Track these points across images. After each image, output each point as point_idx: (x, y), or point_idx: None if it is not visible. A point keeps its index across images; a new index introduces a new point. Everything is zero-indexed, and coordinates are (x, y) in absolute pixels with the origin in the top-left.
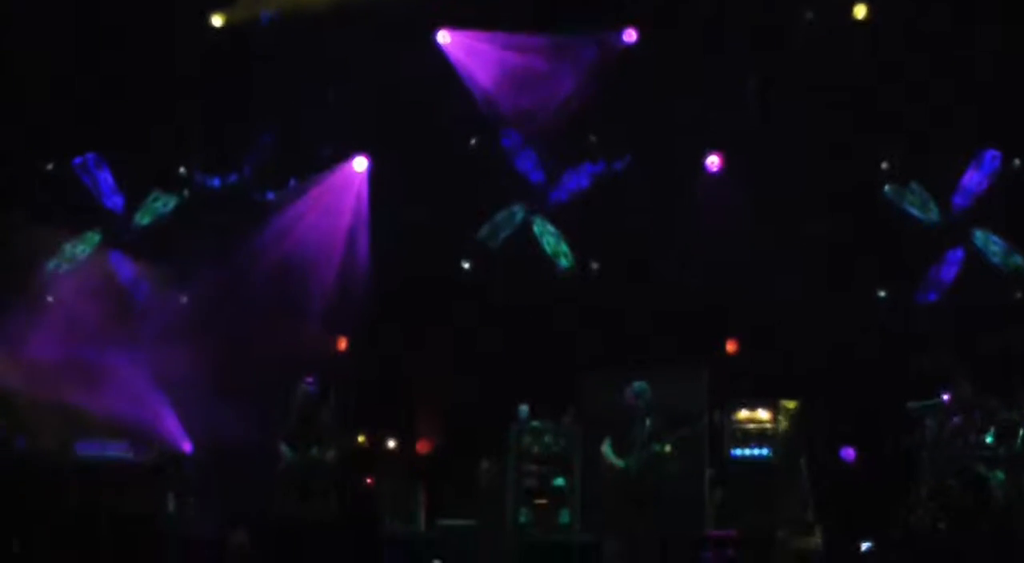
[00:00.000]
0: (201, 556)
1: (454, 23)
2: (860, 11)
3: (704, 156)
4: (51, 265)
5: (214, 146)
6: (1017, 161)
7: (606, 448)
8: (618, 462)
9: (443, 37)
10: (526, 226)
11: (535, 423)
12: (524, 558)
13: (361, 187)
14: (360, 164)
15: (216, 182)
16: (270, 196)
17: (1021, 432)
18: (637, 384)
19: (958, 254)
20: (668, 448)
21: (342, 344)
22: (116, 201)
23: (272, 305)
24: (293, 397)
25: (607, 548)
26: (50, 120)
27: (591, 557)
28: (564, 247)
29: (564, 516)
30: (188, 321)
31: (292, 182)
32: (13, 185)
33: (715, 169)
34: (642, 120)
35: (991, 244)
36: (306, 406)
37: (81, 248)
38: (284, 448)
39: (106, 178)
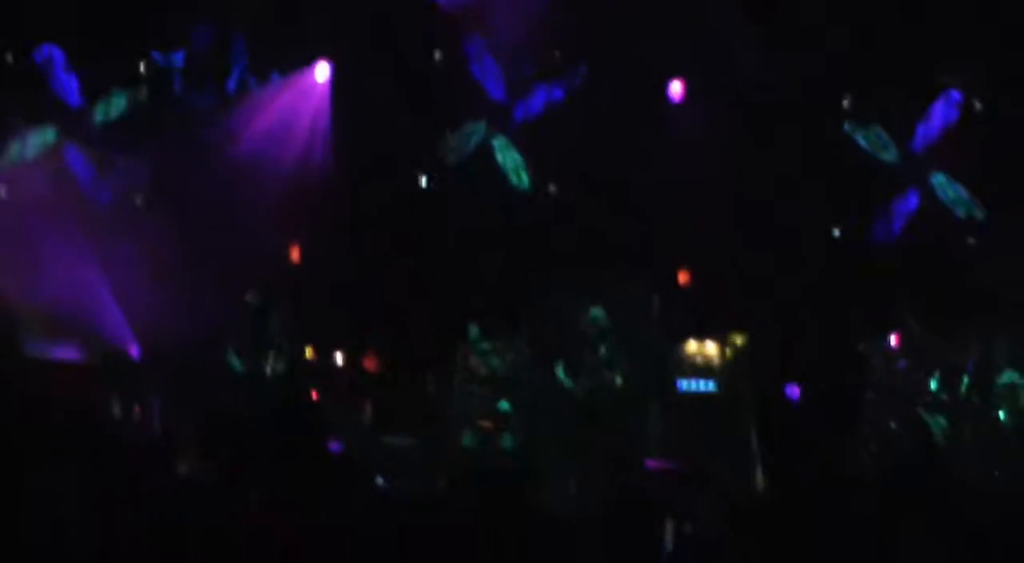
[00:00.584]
0: (145, 460)
1: None
2: None
3: (667, 82)
4: (6, 160)
5: (177, 43)
6: (978, 104)
7: (559, 369)
8: (569, 384)
9: None
10: (486, 145)
11: (483, 345)
12: (462, 481)
13: (322, 95)
14: (322, 71)
15: (179, 59)
16: (230, 94)
17: (966, 379)
18: (594, 311)
19: (914, 194)
20: (619, 380)
21: (294, 254)
22: (75, 96)
23: (227, 210)
24: (242, 308)
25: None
26: (11, 12)
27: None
28: (523, 169)
29: (507, 440)
30: (142, 221)
31: (252, 82)
32: None
33: (677, 97)
34: (607, 39)
35: (948, 188)
36: (256, 315)
37: (37, 142)
38: (232, 357)
39: (66, 73)
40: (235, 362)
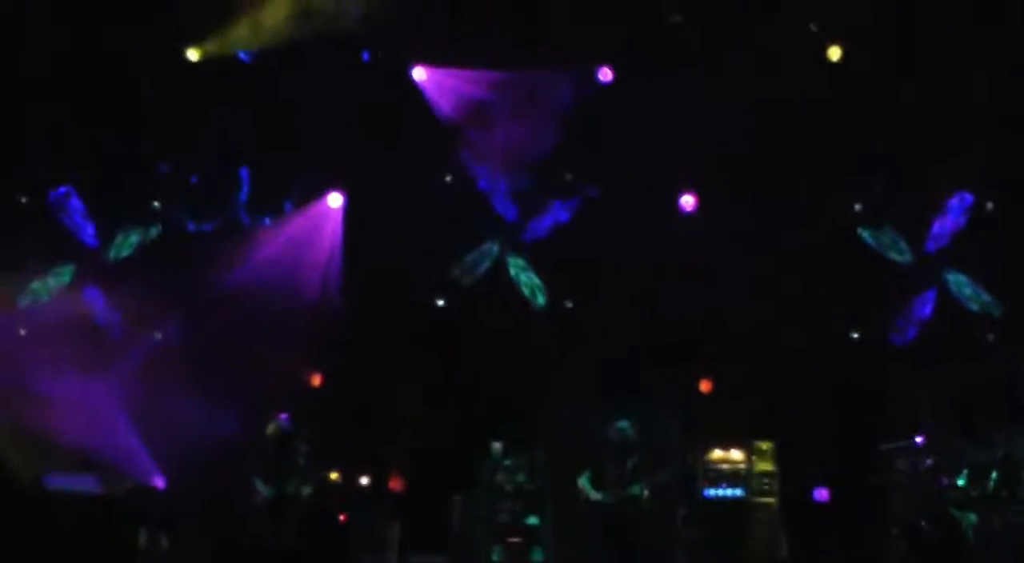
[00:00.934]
0: None
1: (430, 60)
2: (835, 53)
3: (678, 195)
4: (25, 299)
5: (188, 181)
6: (990, 204)
7: (584, 481)
8: (596, 495)
9: (419, 74)
10: (500, 263)
11: (508, 461)
12: None
13: (336, 223)
14: (335, 200)
15: (190, 222)
16: (246, 230)
17: (993, 474)
18: (620, 423)
19: (931, 295)
20: (646, 492)
21: (316, 380)
22: (90, 235)
23: (246, 340)
24: (267, 432)
25: None
26: (25, 153)
27: None
28: (538, 286)
29: (537, 554)
30: (162, 356)
31: (267, 219)
32: None
33: (689, 209)
34: (617, 158)
35: (963, 286)
36: (281, 441)
37: (55, 281)
38: (259, 483)
39: (80, 213)
40: (262, 488)
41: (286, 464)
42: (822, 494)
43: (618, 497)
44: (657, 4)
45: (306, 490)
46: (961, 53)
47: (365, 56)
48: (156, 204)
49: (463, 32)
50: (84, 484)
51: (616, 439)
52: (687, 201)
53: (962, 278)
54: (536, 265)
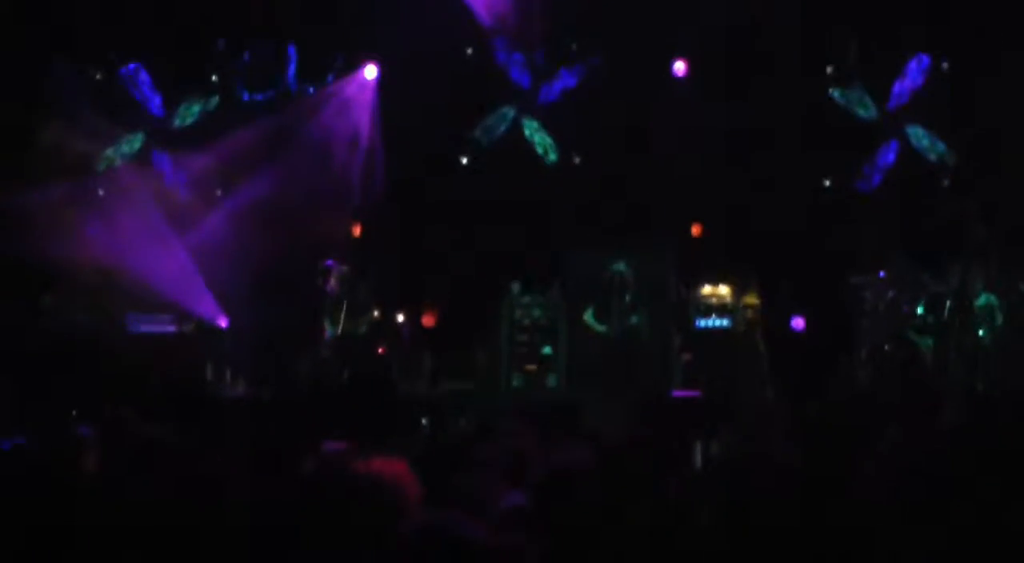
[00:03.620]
0: (234, 416)
1: None
2: None
3: (672, 61)
4: (101, 164)
5: (241, 57)
6: (945, 65)
7: (588, 316)
8: (600, 328)
9: None
10: (516, 125)
11: (525, 299)
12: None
13: (371, 91)
14: (370, 71)
15: (244, 92)
16: (293, 99)
17: (948, 303)
18: (617, 265)
19: (893, 146)
20: (641, 319)
21: (356, 230)
22: (157, 106)
23: (296, 198)
24: (326, 279)
25: (588, 406)
26: (99, 35)
27: (574, 414)
28: (550, 144)
29: (551, 379)
30: (221, 212)
31: (311, 89)
32: (67, 93)
33: (681, 74)
34: (618, 29)
35: (922, 138)
36: (344, 286)
37: (127, 148)
38: (327, 323)
39: (148, 86)
40: (330, 327)
41: (349, 306)
42: (798, 323)
43: (619, 328)
44: None
45: (364, 328)
46: None
47: None
48: (214, 78)
49: None
50: (159, 325)
51: (615, 277)
52: (679, 67)
53: (920, 131)
54: (548, 126)
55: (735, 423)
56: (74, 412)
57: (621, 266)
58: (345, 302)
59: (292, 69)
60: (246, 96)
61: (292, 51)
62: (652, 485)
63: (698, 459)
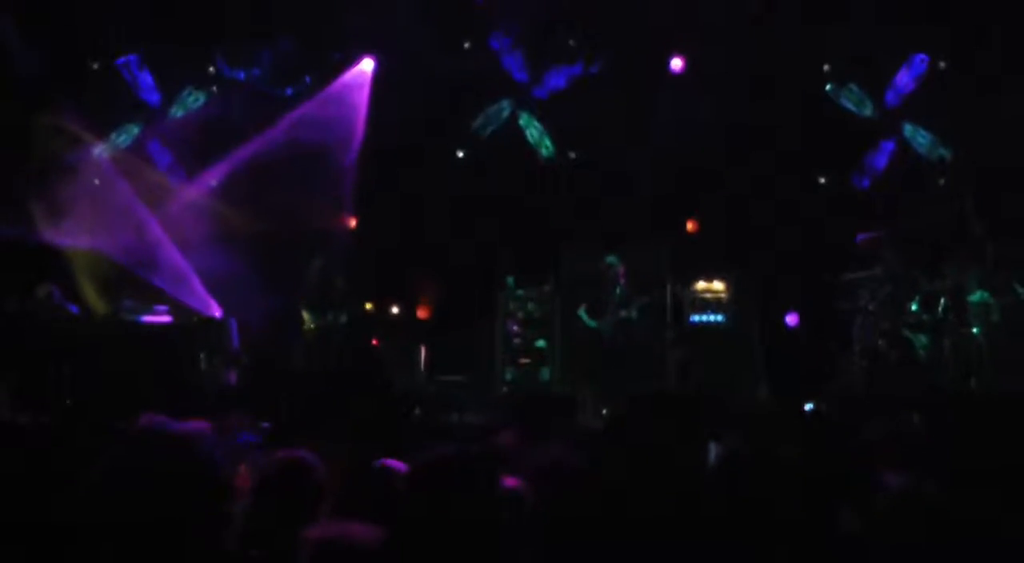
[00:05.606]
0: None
1: None
2: None
3: (669, 58)
4: (97, 152)
5: (240, 48)
6: (942, 63)
7: (581, 311)
8: (591, 323)
9: None
10: (512, 119)
11: (520, 291)
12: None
13: (369, 85)
14: (367, 64)
15: (241, 75)
16: (289, 92)
17: (942, 301)
18: (609, 257)
19: (889, 144)
20: (634, 313)
21: (352, 222)
22: (154, 97)
23: (292, 188)
24: (311, 269)
25: (580, 400)
26: (96, 25)
27: (566, 408)
28: (546, 138)
29: (544, 373)
30: (217, 202)
31: (307, 79)
32: (64, 83)
33: (678, 70)
34: (615, 24)
35: (918, 136)
36: (323, 276)
37: (124, 137)
38: (305, 312)
39: (145, 76)
40: (308, 316)
41: (328, 296)
42: (793, 319)
43: (611, 322)
44: None
45: (343, 318)
46: None
47: None
48: (211, 69)
49: None
50: (156, 314)
51: (608, 272)
52: (676, 63)
53: (917, 129)
54: (545, 120)
55: (733, 422)
56: (68, 401)
57: (614, 260)
58: (322, 293)
59: (289, 60)
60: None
61: (289, 44)
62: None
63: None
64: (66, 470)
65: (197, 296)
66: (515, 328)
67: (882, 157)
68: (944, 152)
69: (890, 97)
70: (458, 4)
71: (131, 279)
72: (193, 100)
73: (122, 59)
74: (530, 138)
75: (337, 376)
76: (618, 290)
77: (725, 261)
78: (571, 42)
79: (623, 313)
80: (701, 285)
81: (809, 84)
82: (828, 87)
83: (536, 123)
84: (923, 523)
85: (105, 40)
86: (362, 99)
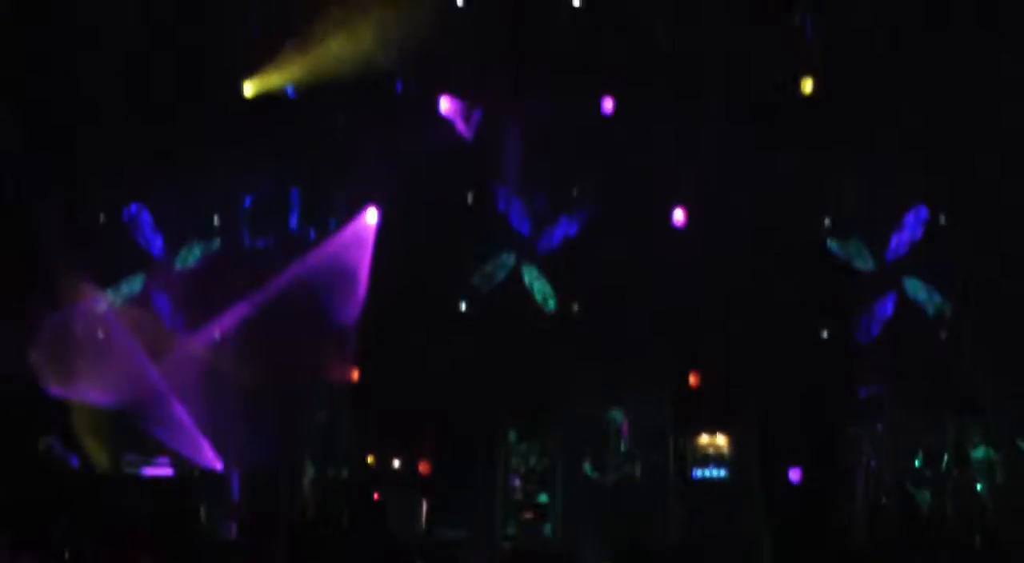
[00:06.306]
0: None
1: (453, 91)
2: (807, 86)
3: (671, 210)
4: (102, 304)
5: (245, 201)
6: (943, 217)
7: (587, 466)
8: (596, 476)
9: (444, 104)
10: (515, 272)
11: (521, 446)
12: None
13: (373, 236)
14: (372, 216)
15: (246, 236)
16: (295, 244)
17: (946, 456)
18: (613, 412)
19: (891, 298)
20: (639, 471)
21: (354, 375)
22: (159, 247)
23: (295, 341)
24: (315, 422)
25: (585, 556)
26: (102, 179)
27: None
28: (550, 294)
29: (547, 528)
30: (220, 355)
31: (312, 233)
32: (69, 232)
33: (680, 222)
34: (617, 176)
35: (919, 290)
36: (326, 430)
37: (127, 289)
38: (309, 466)
39: (150, 227)
40: (311, 470)
41: (331, 450)
42: (795, 474)
43: (614, 477)
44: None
45: (345, 472)
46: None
47: (398, 87)
48: (216, 221)
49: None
50: (156, 469)
51: (610, 426)
52: (678, 216)
53: (918, 282)
54: (548, 274)
55: None
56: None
57: (617, 415)
58: (325, 446)
59: (295, 213)
60: (247, 240)
61: (295, 195)
62: None
63: None
64: None
65: (199, 448)
66: (517, 482)
67: (884, 311)
68: (944, 306)
69: (891, 251)
70: (461, 157)
71: (133, 431)
72: (197, 252)
73: (127, 210)
74: (535, 292)
75: (341, 529)
76: (622, 445)
77: (727, 414)
78: (573, 192)
79: (629, 469)
80: (704, 439)
81: (809, 236)
82: (829, 242)
83: (540, 277)
84: None
85: (112, 193)
86: (366, 251)
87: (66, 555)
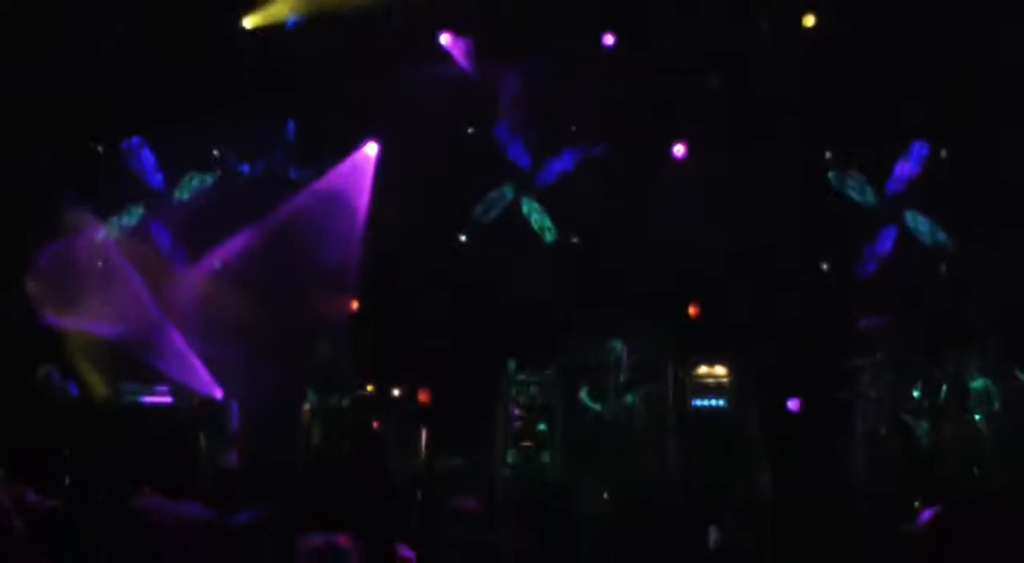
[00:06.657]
0: (225, 485)
1: (455, 27)
2: (809, 20)
3: (671, 144)
4: (101, 235)
5: (244, 132)
6: (943, 152)
7: (583, 395)
8: (594, 406)
9: (445, 39)
10: (515, 204)
11: (521, 376)
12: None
13: (372, 169)
14: (371, 149)
15: (245, 166)
16: (293, 176)
17: (943, 388)
18: (613, 342)
19: (891, 232)
20: (638, 402)
21: (354, 306)
22: (158, 179)
23: (295, 272)
24: (315, 352)
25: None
26: (100, 106)
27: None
28: (548, 223)
29: (545, 456)
30: (220, 286)
31: (313, 164)
32: (68, 164)
33: (680, 156)
34: (617, 111)
35: (919, 223)
36: (327, 360)
37: (127, 220)
38: (310, 395)
39: (149, 159)
40: (312, 399)
41: (332, 380)
42: (794, 404)
43: (613, 407)
44: None
45: (345, 402)
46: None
47: (398, 21)
48: (215, 152)
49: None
50: (156, 397)
51: (609, 357)
52: (678, 149)
53: (919, 216)
54: (546, 206)
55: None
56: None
57: (616, 345)
58: (326, 376)
59: (291, 144)
60: (246, 171)
61: (292, 126)
62: None
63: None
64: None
65: (198, 377)
66: (516, 412)
67: (885, 244)
68: (945, 240)
69: (891, 185)
70: (463, 89)
71: (131, 360)
72: (196, 183)
73: (126, 142)
74: (533, 224)
75: (340, 458)
76: (622, 377)
77: (727, 347)
78: (573, 128)
79: (628, 399)
80: (703, 370)
81: (810, 171)
82: (830, 175)
83: (538, 208)
84: None
85: (109, 123)
86: (366, 184)
87: (66, 483)
